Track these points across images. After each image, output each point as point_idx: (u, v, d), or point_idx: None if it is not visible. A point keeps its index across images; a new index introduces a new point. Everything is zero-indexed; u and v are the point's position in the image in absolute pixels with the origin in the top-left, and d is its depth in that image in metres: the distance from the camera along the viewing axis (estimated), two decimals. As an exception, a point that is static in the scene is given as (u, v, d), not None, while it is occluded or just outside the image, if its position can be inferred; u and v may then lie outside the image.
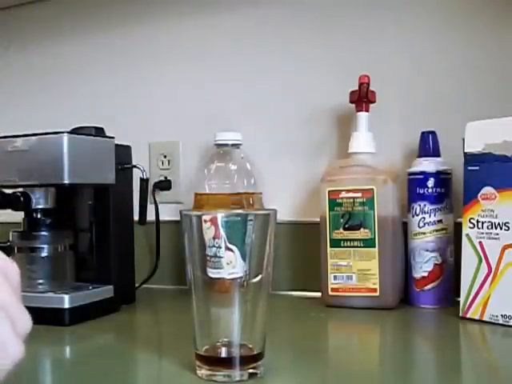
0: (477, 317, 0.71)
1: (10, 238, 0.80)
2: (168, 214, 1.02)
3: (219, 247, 0.50)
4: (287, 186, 0.99)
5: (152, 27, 1.09)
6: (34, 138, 0.76)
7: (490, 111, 0.75)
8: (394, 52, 0.93)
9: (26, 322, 0.36)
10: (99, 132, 0.84)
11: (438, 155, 0.83)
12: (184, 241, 0.52)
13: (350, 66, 0.94)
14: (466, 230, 0.73)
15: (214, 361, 0.51)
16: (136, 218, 0.92)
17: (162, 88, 1.09)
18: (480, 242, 0.71)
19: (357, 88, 0.85)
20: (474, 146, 0.72)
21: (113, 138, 0.83)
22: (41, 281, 0.78)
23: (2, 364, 0.34)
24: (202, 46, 1.05)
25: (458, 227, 0.77)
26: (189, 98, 1.07)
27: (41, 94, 1.20)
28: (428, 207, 0.80)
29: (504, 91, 0.86)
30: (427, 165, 0.81)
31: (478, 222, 0.72)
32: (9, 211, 0.80)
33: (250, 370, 0.51)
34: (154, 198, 1.02)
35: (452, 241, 0.82)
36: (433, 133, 0.83)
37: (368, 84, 0.84)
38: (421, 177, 0.81)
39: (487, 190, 0.71)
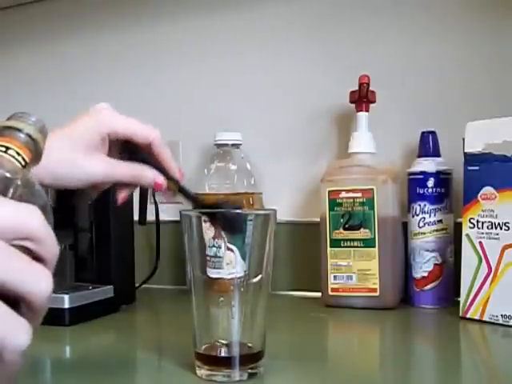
0: (477, 317, 0.71)
1: (10, 238, 0.80)
2: (168, 214, 1.02)
3: (219, 247, 0.50)
4: (287, 186, 0.99)
5: (152, 27, 1.09)
6: (34, 137, 0.75)
7: (490, 111, 0.75)
8: (394, 52, 0.93)
9: (53, 247, 0.32)
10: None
11: (438, 155, 0.83)
12: (184, 241, 0.52)
13: (350, 65, 0.94)
14: (466, 230, 0.73)
15: (214, 361, 0.51)
16: (136, 218, 0.92)
17: (162, 88, 1.09)
18: (480, 242, 0.71)
19: (357, 88, 0.85)
20: (474, 146, 0.72)
21: (113, 137, 0.83)
22: (41, 281, 0.78)
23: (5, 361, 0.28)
24: (202, 46, 1.05)
25: (458, 227, 0.77)
26: (189, 98, 1.07)
27: (40, 94, 1.20)
28: (428, 207, 0.80)
29: (504, 91, 0.86)
30: (427, 165, 0.81)
31: (477, 221, 0.72)
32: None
33: (250, 370, 0.51)
34: (154, 198, 1.02)
35: (452, 241, 0.82)
36: (433, 133, 0.83)
37: (368, 84, 0.84)
38: (421, 177, 0.81)
39: (487, 189, 0.71)
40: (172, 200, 0.99)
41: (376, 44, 0.94)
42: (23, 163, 0.34)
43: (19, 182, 0.33)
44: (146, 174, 0.54)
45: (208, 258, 0.50)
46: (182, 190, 0.55)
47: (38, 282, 0.30)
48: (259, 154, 0.97)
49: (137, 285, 0.93)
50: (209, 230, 0.50)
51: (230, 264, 0.50)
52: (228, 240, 0.50)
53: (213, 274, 0.50)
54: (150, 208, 0.97)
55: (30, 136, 0.35)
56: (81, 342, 0.69)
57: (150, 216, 0.97)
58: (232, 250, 0.50)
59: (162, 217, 1.00)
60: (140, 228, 0.94)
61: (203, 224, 0.51)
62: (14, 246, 0.30)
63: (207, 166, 0.93)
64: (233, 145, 0.92)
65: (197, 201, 0.55)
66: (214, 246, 0.50)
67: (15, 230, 0.30)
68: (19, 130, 0.35)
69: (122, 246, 0.87)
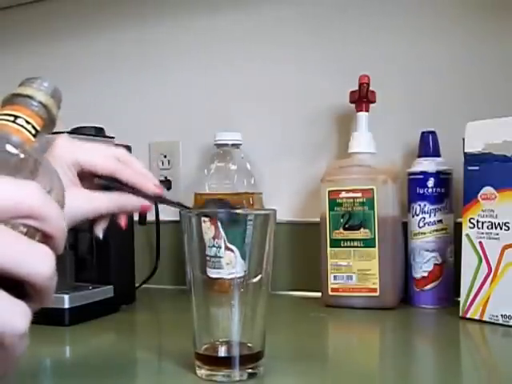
0: (477, 317, 0.71)
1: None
2: (168, 214, 1.02)
3: (219, 247, 0.50)
4: (287, 186, 0.99)
5: (153, 28, 1.09)
6: (33, 137, 0.75)
7: (490, 111, 0.75)
8: (394, 52, 0.93)
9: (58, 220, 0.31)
10: (99, 132, 0.84)
11: (438, 155, 0.83)
12: (184, 241, 0.52)
13: (350, 66, 0.94)
14: (466, 229, 0.73)
15: (214, 361, 0.51)
16: (136, 218, 0.92)
17: (162, 88, 1.09)
18: (480, 242, 0.71)
19: (357, 88, 0.85)
20: (474, 146, 0.72)
21: (113, 137, 0.83)
22: (41, 281, 0.78)
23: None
24: (202, 47, 1.05)
25: (458, 227, 0.77)
26: (189, 98, 1.07)
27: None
28: (428, 207, 0.80)
29: (504, 91, 0.86)
30: (427, 165, 0.81)
31: (477, 222, 0.72)
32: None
33: (250, 370, 0.51)
34: (154, 198, 1.02)
35: (452, 241, 0.82)
36: (433, 133, 0.83)
37: (368, 84, 0.84)
38: (421, 177, 0.81)
39: (487, 189, 0.71)
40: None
41: (376, 44, 0.94)
42: (33, 132, 0.33)
43: (22, 156, 0.32)
44: (131, 201, 0.53)
45: (208, 258, 0.50)
46: (167, 203, 0.55)
47: (37, 262, 0.29)
48: (259, 154, 0.97)
49: (137, 285, 0.93)
50: (209, 230, 0.50)
51: (230, 264, 0.50)
52: (228, 240, 0.50)
53: (213, 274, 0.50)
54: (150, 208, 0.97)
55: (40, 102, 0.34)
56: (81, 343, 0.69)
57: (150, 216, 0.96)
58: (232, 250, 0.50)
59: (162, 217, 1.00)
60: (140, 228, 0.94)
61: (203, 224, 0.51)
62: (17, 225, 0.29)
63: (207, 166, 0.93)
64: (233, 145, 0.92)
65: (184, 208, 0.55)
66: (213, 245, 0.50)
67: (14, 209, 0.29)
68: (29, 97, 0.34)
69: (122, 246, 0.87)
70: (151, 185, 0.53)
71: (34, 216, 0.30)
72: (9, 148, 0.31)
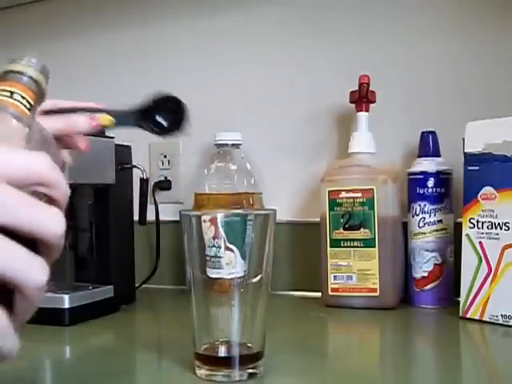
0: (477, 317, 0.71)
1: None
2: (168, 214, 1.02)
3: (219, 247, 0.50)
4: (287, 186, 0.99)
5: (154, 28, 1.09)
6: (33, 137, 0.75)
7: (490, 111, 0.75)
8: (394, 52, 0.93)
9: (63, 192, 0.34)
10: (99, 132, 0.84)
11: (438, 155, 0.83)
12: (184, 241, 0.52)
13: (350, 65, 0.94)
14: (466, 229, 0.73)
15: (214, 360, 0.51)
16: (136, 218, 0.92)
17: (162, 88, 1.08)
18: (480, 242, 0.71)
19: (357, 88, 0.85)
20: (474, 146, 0.72)
21: (113, 137, 0.83)
22: (41, 281, 0.78)
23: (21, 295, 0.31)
24: (203, 47, 1.05)
25: (458, 227, 0.77)
26: (189, 97, 1.06)
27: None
28: (428, 207, 0.80)
29: (504, 91, 0.86)
30: (427, 165, 0.81)
31: (477, 221, 0.72)
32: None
33: (250, 370, 0.51)
34: (154, 198, 1.02)
35: (452, 241, 0.82)
36: (433, 133, 0.83)
37: (368, 84, 0.84)
38: (421, 177, 0.81)
39: (487, 189, 0.71)
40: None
41: (376, 44, 0.94)
42: (29, 106, 0.35)
43: (27, 130, 0.34)
44: (77, 119, 0.55)
45: (208, 258, 0.50)
46: (112, 113, 0.56)
47: (50, 221, 0.32)
48: (259, 154, 0.97)
49: (137, 285, 0.93)
50: (209, 230, 0.50)
51: (230, 264, 0.50)
52: (228, 240, 0.50)
53: (213, 274, 0.50)
54: (150, 208, 0.97)
55: (31, 78, 0.36)
56: (81, 342, 0.69)
57: (150, 216, 0.97)
58: (232, 250, 0.50)
59: (162, 217, 1.00)
60: (140, 228, 0.94)
61: (203, 224, 0.51)
62: (28, 191, 0.32)
63: (207, 166, 0.93)
64: (233, 145, 0.92)
65: (129, 112, 0.57)
66: (213, 246, 0.50)
67: (27, 178, 0.32)
68: (20, 73, 0.36)
69: (122, 246, 0.87)
70: (92, 103, 0.57)
71: (44, 183, 0.33)
72: (14, 122, 0.34)
